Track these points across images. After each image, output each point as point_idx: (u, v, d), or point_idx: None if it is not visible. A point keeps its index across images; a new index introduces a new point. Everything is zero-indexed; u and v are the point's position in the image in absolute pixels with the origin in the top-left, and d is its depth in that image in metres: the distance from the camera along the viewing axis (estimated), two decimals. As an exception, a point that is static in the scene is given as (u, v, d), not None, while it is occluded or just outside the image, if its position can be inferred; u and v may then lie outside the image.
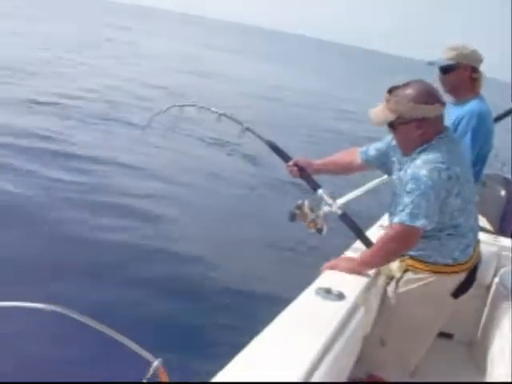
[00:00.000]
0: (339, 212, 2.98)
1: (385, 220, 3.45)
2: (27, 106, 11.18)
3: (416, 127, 2.53)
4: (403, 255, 2.69)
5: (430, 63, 3.46)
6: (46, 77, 15.41)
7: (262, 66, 35.98)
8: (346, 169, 3.22)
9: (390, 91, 2.59)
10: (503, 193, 5.27)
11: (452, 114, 3.31)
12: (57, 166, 7.87)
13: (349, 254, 2.94)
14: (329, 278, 2.55)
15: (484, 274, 3.16)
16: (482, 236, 3.00)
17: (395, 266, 2.72)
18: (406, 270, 2.69)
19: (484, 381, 2.95)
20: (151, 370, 1.19)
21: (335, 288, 2.35)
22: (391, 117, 2.57)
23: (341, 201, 3.14)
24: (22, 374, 3.43)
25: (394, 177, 2.78)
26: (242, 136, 3.49)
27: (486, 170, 3.77)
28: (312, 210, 2.99)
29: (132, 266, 5.31)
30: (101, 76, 17.38)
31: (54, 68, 17.42)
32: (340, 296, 2.31)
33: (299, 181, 3.24)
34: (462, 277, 2.68)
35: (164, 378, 1.20)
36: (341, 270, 2.66)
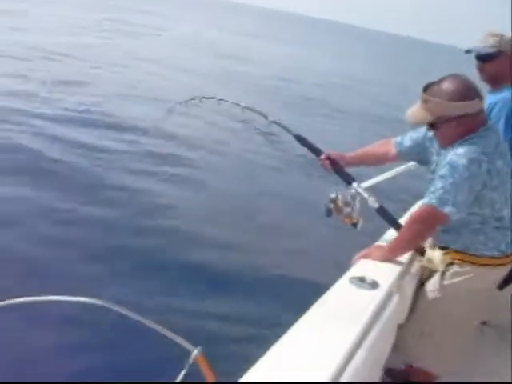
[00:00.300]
0: (376, 205, 2.93)
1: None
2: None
3: (457, 124, 2.47)
4: (446, 248, 2.66)
5: (468, 51, 3.33)
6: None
7: (282, 49, 36.32)
8: (380, 160, 3.18)
9: (426, 89, 2.52)
10: None
11: (485, 101, 3.22)
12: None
13: (380, 243, 2.93)
14: (362, 267, 2.55)
15: None
16: None
17: (437, 258, 2.68)
18: (450, 264, 2.65)
19: None
20: (191, 359, 1.21)
21: (369, 277, 2.35)
22: (430, 118, 2.52)
23: (364, 185, 3.10)
24: (64, 367, 3.52)
25: (431, 166, 2.73)
26: (267, 129, 3.47)
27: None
28: (346, 203, 2.96)
29: (169, 252, 5.39)
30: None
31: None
32: (374, 284, 2.31)
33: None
34: (508, 268, 2.63)
35: (204, 367, 1.23)
36: (373, 259, 2.65)
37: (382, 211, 2.95)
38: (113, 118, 10.34)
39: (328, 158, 3.14)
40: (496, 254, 2.57)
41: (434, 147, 2.71)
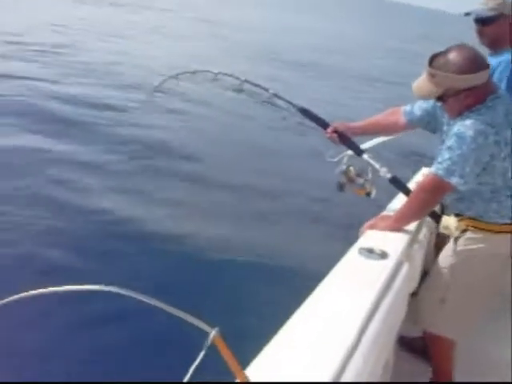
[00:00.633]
0: (388, 176, 2.93)
1: (420, 176, 3.43)
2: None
3: (465, 96, 2.46)
4: (460, 215, 2.66)
5: (467, 14, 3.27)
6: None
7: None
8: (389, 130, 3.17)
9: (431, 62, 2.49)
10: None
11: None
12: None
13: (386, 213, 2.93)
14: (370, 237, 2.56)
15: None
16: None
17: (453, 225, 2.69)
18: (464, 230, 2.65)
19: None
20: (209, 341, 1.20)
21: (377, 247, 2.36)
22: (437, 91, 2.50)
23: (365, 146, 3.09)
24: (87, 355, 3.56)
25: (441, 136, 2.71)
26: (268, 103, 3.41)
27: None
28: (359, 174, 2.97)
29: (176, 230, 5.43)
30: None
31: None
32: (383, 254, 2.32)
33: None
34: None
35: (222, 348, 1.22)
36: (380, 229, 2.66)
37: (394, 181, 2.95)
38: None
39: (335, 131, 3.10)
40: (509, 221, 2.56)
41: (445, 116, 2.69)
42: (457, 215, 2.70)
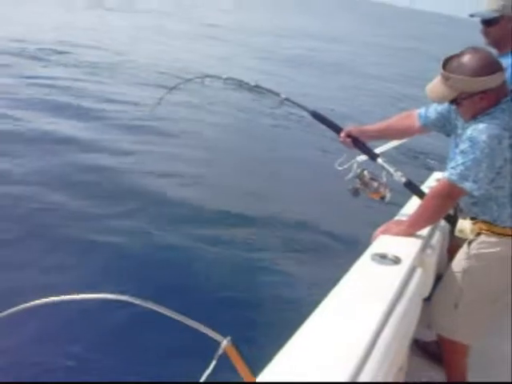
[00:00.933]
0: (403, 180, 2.91)
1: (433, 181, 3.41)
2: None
3: (480, 99, 2.44)
4: (475, 218, 2.64)
5: (472, 15, 3.29)
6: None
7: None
8: (403, 133, 3.15)
9: (445, 65, 2.48)
10: None
11: None
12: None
13: (399, 218, 2.91)
14: (382, 243, 2.54)
15: None
16: None
17: (468, 228, 2.66)
18: (478, 234, 2.63)
19: None
20: (220, 350, 1.20)
21: (390, 252, 2.34)
22: (451, 94, 2.48)
23: (378, 150, 3.07)
24: (100, 363, 3.56)
25: (455, 139, 2.69)
26: (280, 107, 3.38)
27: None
28: (373, 178, 2.95)
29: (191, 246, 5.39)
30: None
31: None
32: (396, 260, 2.30)
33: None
34: None
35: (234, 357, 1.22)
36: (393, 234, 2.64)
37: (409, 185, 2.93)
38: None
39: (349, 135, 3.09)
40: None
41: (459, 119, 2.67)
42: (472, 218, 2.67)
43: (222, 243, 5.45)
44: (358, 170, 2.96)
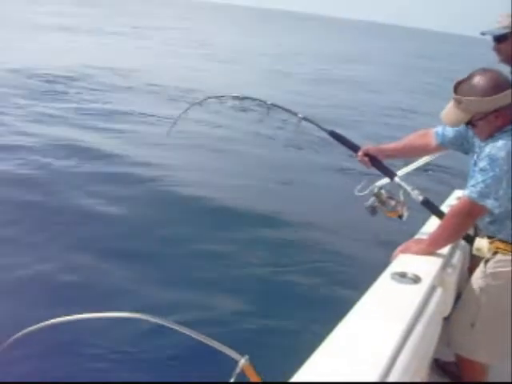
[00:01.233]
0: (420, 198, 2.90)
1: (453, 199, 3.38)
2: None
3: (495, 117, 2.47)
4: (492, 237, 2.62)
5: (483, 33, 3.31)
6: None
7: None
8: (420, 152, 3.15)
9: (456, 89, 2.51)
10: None
11: None
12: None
13: (419, 237, 2.88)
14: (402, 261, 2.52)
15: None
16: None
17: (485, 247, 2.64)
18: (495, 252, 2.61)
19: None
20: (238, 369, 1.20)
21: (410, 271, 2.32)
22: (465, 117, 2.51)
23: (400, 172, 3.07)
24: (116, 378, 3.54)
25: (473, 157, 2.69)
26: (298, 126, 3.37)
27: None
28: (390, 197, 2.95)
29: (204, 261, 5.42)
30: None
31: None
32: (416, 279, 2.28)
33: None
34: None
35: (252, 376, 1.22)
36: (413, 253, 2.62)
37: (427, 204, 2.92)
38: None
39: (366, 154, 3.10)
40: None
41: (476, 138, 2.68)
42: (489, 237, 2.65)
43: (245, 263, 5.45)
44: (376, 189, 2.96)
